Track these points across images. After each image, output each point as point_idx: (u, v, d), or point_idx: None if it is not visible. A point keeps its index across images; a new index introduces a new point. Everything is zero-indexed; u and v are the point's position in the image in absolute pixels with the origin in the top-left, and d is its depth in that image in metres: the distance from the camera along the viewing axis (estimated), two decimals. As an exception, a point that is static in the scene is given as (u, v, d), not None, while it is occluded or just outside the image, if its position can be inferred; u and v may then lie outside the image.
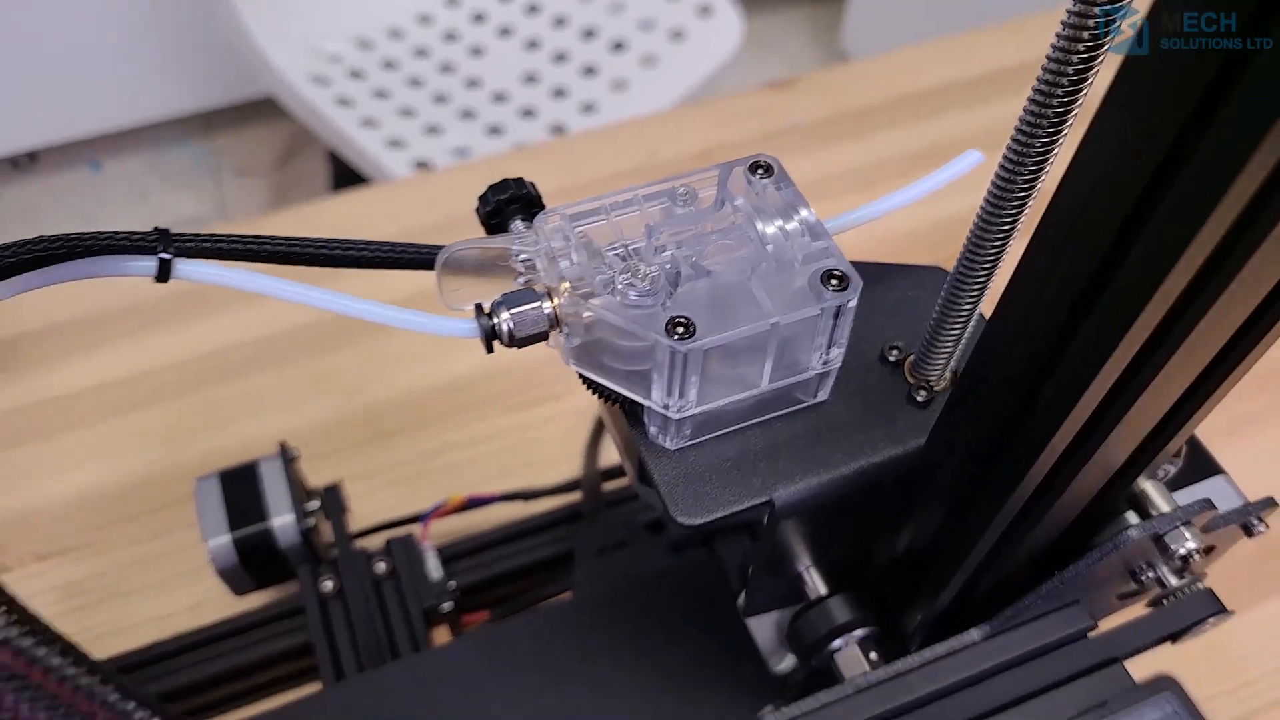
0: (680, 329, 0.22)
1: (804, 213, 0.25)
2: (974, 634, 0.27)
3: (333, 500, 0.46)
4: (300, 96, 1.04)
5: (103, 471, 0.54)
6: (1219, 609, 0.28)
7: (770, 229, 0.25)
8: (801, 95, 0.73)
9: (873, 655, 0.28)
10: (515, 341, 0.24)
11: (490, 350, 0.24)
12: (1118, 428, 0.21)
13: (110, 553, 0.51)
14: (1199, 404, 0.22)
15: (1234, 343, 0.21)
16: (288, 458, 0.44)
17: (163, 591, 0.50)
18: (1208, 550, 0.30)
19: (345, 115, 1.05)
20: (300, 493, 0.44)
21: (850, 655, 0.28)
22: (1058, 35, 0.17)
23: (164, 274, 0.22)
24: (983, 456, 0.24)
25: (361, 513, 0.49)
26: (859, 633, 0.28)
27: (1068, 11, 0.16)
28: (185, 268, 0.22)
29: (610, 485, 0.49)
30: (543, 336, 0.24)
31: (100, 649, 0.44)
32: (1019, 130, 0.19)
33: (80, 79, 1.33)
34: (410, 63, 1.15)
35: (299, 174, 1.43)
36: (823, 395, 0.26)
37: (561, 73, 1.14)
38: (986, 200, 0.21)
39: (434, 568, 0.44)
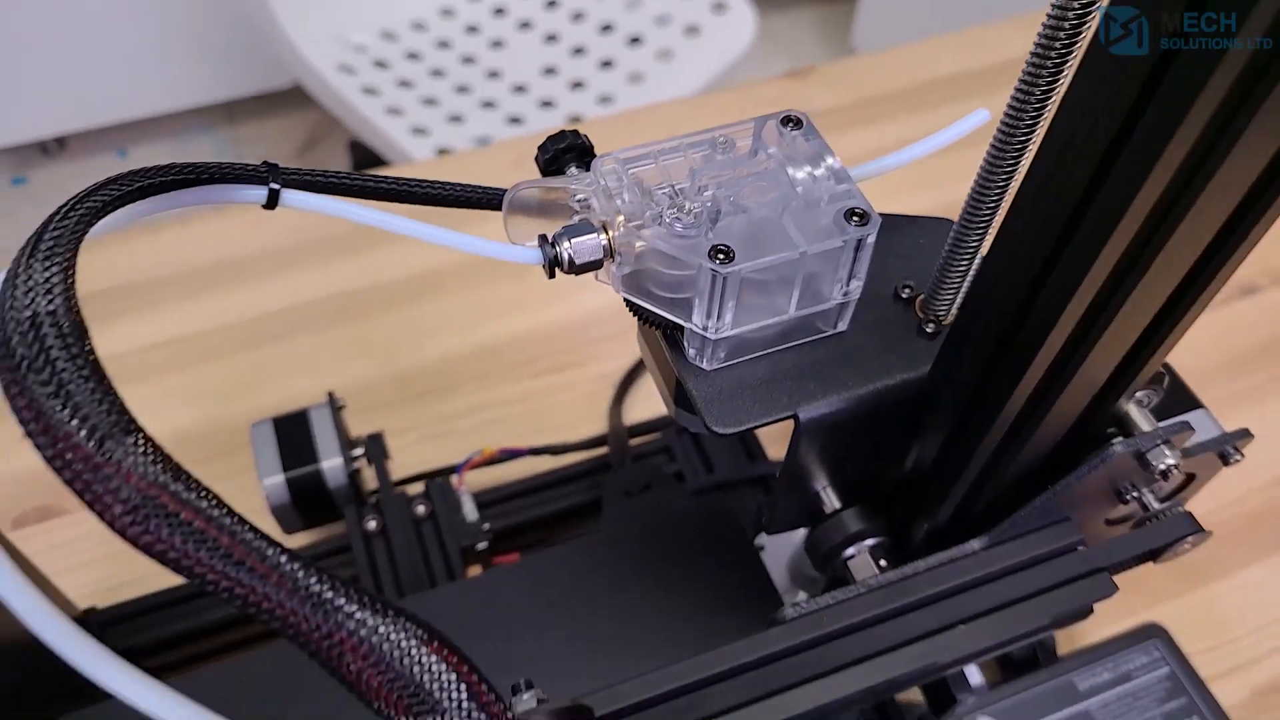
0: (721, 255, 0.25)
1: (830, 160, 0.28)
2: (974, 544, 0.30)
3: (376, 447, 0.49)
4: (328, 85, 1.07)
5: (150, 426, 0.57)
6: (1197, 529, 0.31)
7: (800, 174, 0.28)
8: (816, 84, 0.76)
9: (882, 562, 0.31)
10: (574, 268, 0.27)
11: (552, 276, 0.27)
12: (1094, 351, 0.25)
13: (160, 500, 0.54)
14: (1165, 334, 0.26)
15: (1189, 281, 0.24)
16: (335, 406, 0.47)
17: (211, 536, 0.53)
18: (1188, 479, 0.33)
19: (371, 103, 1.08)
20: (346, 439, 0.47)
21: (862, 561, 0.31)
22: (1048, 14, 0.20)
23: (272, 202, 0.25)
24: (980, 375, 0.27)
25: (398, 466, 0.52)
26: (870, 541, 0.32)
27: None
28: (291, 197, 0.26)
29: (635, 441, 0.52)
30: (597, 265, 0.27)
31: (153, 587, 0.47)
32: (1018, 89, 0.22)
33: (108, 68, 1.37)
34: (433, 54, 1.19)
35: (320, 162, 1.46)
36: (842, 326, 0.29)
37: (580, 65, 1.18)
38: (989, 151, 0.24)
39: (470, 510, 0.47)
